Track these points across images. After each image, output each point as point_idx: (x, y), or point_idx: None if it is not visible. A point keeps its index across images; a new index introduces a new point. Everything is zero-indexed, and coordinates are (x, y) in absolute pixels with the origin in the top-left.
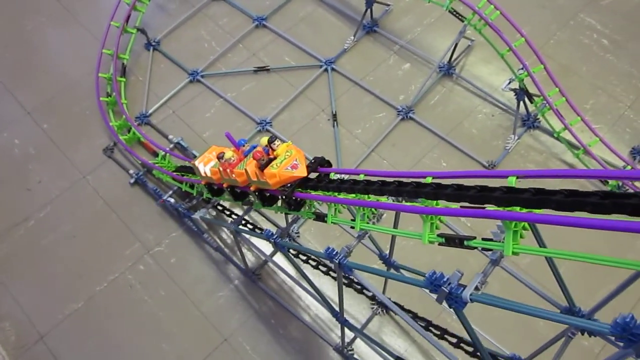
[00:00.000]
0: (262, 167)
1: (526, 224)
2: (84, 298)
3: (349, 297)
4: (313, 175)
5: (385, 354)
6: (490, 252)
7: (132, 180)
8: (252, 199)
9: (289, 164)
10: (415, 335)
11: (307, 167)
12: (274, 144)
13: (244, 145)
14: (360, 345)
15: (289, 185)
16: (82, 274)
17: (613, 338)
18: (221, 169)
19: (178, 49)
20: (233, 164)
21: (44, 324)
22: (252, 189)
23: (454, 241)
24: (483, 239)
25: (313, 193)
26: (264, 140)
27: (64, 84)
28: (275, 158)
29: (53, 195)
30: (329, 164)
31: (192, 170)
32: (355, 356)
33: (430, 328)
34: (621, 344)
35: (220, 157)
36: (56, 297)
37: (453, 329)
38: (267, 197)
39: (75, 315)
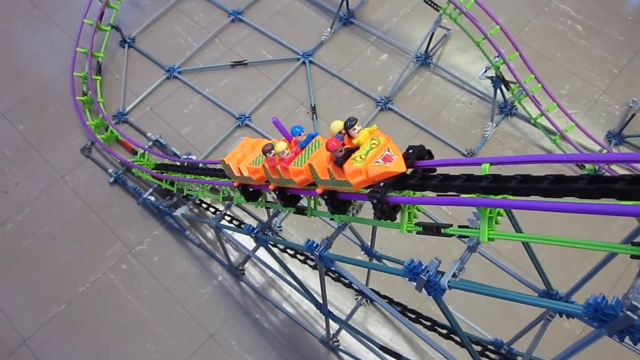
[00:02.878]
0: (339, 162)
1: (501, 210)
2: (67, 300)
3: (334, 288)
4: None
5: (370, 344)
6: (467, 239)
7: (111, 180)
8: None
9: (379, 155)
10: (400, 325)
11: (405, 159)
12: (353, 130)
13: (299, 134)
14: (346, 336)
15: (381, 184)
16: (63, 276)
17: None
18: (267, 165)
19: (154, 46)
20: (287, 159)
21: (27, 328)
22: (318, 191)
23: (431, 230)
24: (459, 226)
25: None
26: (337, 125)
27: (38, 84)
28: (356, 148)
29: (31, 197)
30: (430, 155)
31: (171, 168)
32: (341, 347)
33: (406, 313)
34: (595, 324)
35: (267, 150)
36: (38, 300)
37: (437, 316)
38: (340, 202)
39: (58, 318)
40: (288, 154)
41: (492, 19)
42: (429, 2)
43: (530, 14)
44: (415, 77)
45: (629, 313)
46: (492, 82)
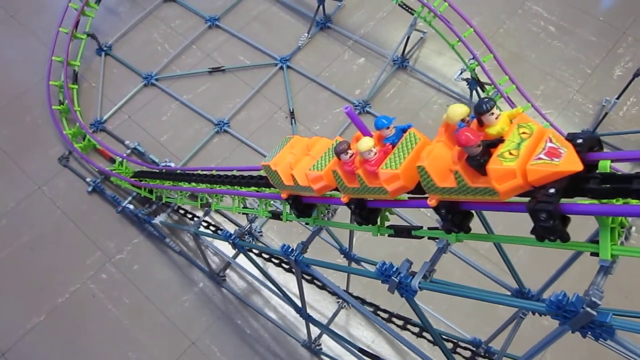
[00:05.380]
0: (478, 162)
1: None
2: (46, 311)
3: (315, 292)
4: None
5: (349, 347)
6: (437, 240)
7: (89, 189)
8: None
9: (540, 149)
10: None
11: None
12: (491, 115)
13: (387, 127)
14: (328, 340)
15: (550, 191)
16: (42, 287)
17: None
18: (340, 171)
19: (131, 53)
20: (374, 161)
21: (5, 340)
22: (432, 203)
23: (402, 232)
24: (429, 228)
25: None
26: (459, 110)
27: (14, 93)
28: (498, 141)
29: (8, 207)
30: (599, 145)
31: (150, 175)
32: (323, 350)
33: (379, 313)
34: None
35: (342, 150)
36: (17, 311)
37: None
38: (463, 217)
39: (37, 329)
40: (374, 154)
41: (466, 21)
42: (404, 6)
43: (505, 16)
44: (392, 80)
45: (588, 309)
46: (467, 84)
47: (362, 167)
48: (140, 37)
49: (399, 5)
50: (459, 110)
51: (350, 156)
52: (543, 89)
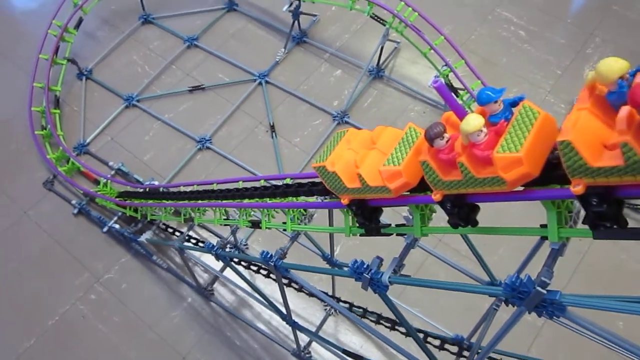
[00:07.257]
0: None
1: (432, 206)
2: (36, 334)
3: (302, 301)
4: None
5: (335, 350)
6: (405, 236)
7: (75, 211)
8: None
9: None
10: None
11: None
12: None
13: (495, 102)
14: (317, 348)
15: None
16: (32, 311)
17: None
18: (433, 162)
19: (111, 76)
20: (483, 145)
21: None
22: (577, 190)
23: (372, 230)
24: (396, 225)
25: None
26: (616, 66)
27: None
28: None
29: None
30: None
31: (134, 195)
32: (313, 358)
33: (366, 315)
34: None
35: (436, 135)
36: (7, 337)
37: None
38: (618, 209)
39: (28, 353)
40: (485, 135)
41: (436, 30)
42: (375, 18)
43: (476, 23)
44: (369, 90)
45: (539, 289)
46: None
47: (467, 152)
48: (119, 60)
49: (371, 17)
50: (616, 65)
51: (447, 141)
52: (516, 92)
